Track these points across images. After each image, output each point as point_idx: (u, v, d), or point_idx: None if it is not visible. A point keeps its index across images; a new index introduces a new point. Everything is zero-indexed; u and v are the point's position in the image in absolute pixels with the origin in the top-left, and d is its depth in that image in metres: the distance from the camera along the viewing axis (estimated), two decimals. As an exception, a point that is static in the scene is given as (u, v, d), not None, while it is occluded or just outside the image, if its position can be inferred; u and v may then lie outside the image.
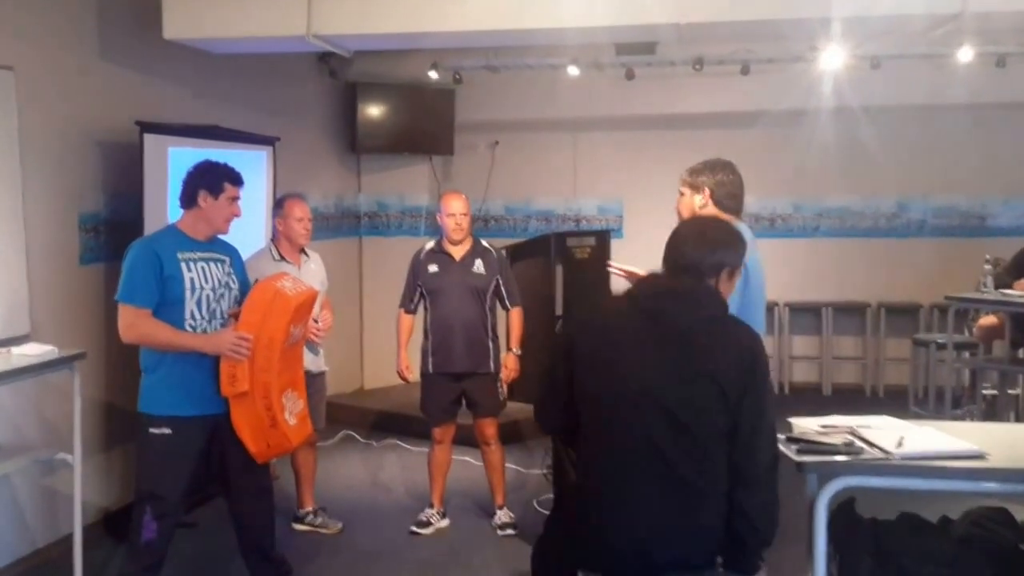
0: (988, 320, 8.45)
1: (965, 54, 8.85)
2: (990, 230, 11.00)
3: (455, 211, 6.58)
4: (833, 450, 3.52)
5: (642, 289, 3.60)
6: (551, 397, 3.68)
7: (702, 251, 3.54)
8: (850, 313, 11.28)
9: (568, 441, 3.73)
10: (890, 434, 3.67)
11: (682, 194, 4.70)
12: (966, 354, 9.06)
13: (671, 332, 3.39)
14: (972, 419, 8.54)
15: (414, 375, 6.80)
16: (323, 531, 6.77)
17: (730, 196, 4.58)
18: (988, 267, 8.01)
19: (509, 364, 6.70)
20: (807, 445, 3.55)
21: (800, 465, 3.48)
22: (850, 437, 3.65)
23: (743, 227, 4.50)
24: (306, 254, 6.57)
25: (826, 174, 10.86)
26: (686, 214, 4.65)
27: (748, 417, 3.34)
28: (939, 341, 8.90)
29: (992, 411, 8.49)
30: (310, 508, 6.82)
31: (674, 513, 3.34)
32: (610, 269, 4.81)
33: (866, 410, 9.42)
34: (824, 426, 3.78)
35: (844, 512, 3.71)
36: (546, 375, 3.73)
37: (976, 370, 8.73)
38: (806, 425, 3.79)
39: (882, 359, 11.23)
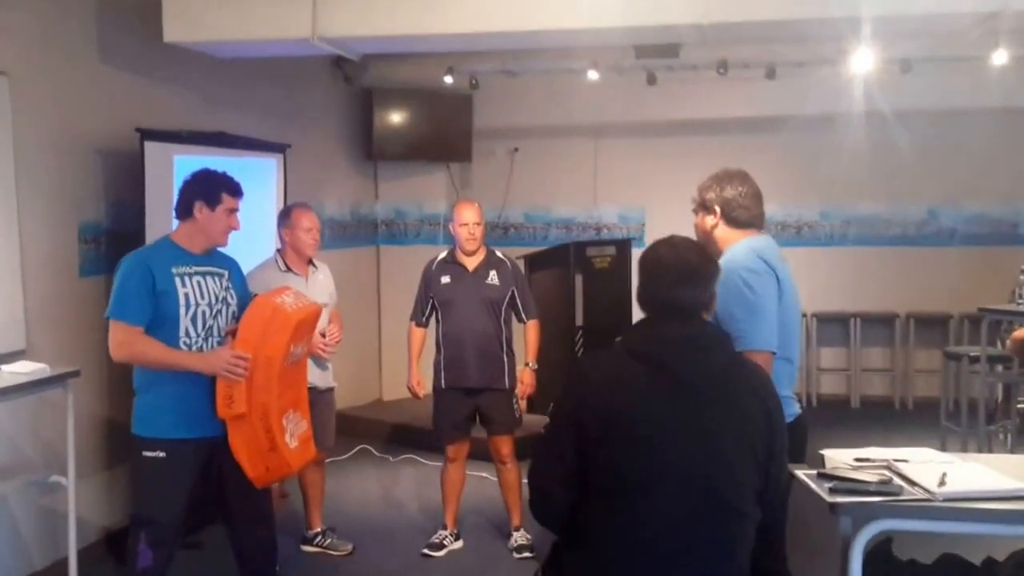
0: (1022, 332, 8.21)
1: (1000, 57, 8.61)
2: (1023, 238, 10.83)
3: (468, 220, 6.37)
4: (870, 490, 3.23)
5: (644, 341, 3.24)
6: (556, 477, 3.24)
7: (697, 289, 3.26)
8: (878, 324, 11.10)
9: (567, 541, 3.32)
10: (931, 470, 3.39)
11: (695, 213, 4.42)
12: (999, 367, 8.80)
13: (692, 388, 3.12)
14: (1006, 434, 8.44)
15: (425, 389, 6.57)
16: (333, 553, 6.56)
17: (743, 209, 4.27)
18: (1023, 277, 7.80)
19: (525, 379, 6.48)
20: (841, 483, 3.27)
21: (834, 507, 3.20)
22: (888, 473, 3.37)
23: (765, 239, 4.30)
24: (314, 265, 6.35)
25: (854, 181, 10.71)
26: (699, 235, 4.38)
27: (778, 453, 3.20)
28: (972, 354, 8.62)
29: (1026, 426, 8.29)
30: (319, 529, 6.62)
31: (713, 568, 3.13)
32: None
33: (896, 424, 9.42)
34: (858, 459, 3.51)
35: (880, 553, 3.46)
36: (545, 452, 3.32)
37: (1010, 384, 8.47)
38: (839, 458, 3.52)
39: (911, 371, 11.05)
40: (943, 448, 8.39)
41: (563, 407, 3.27)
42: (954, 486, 3.27)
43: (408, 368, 6.59)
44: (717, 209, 4.27)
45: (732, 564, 3.17)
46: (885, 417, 10.40)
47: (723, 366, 3.21)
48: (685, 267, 3.25)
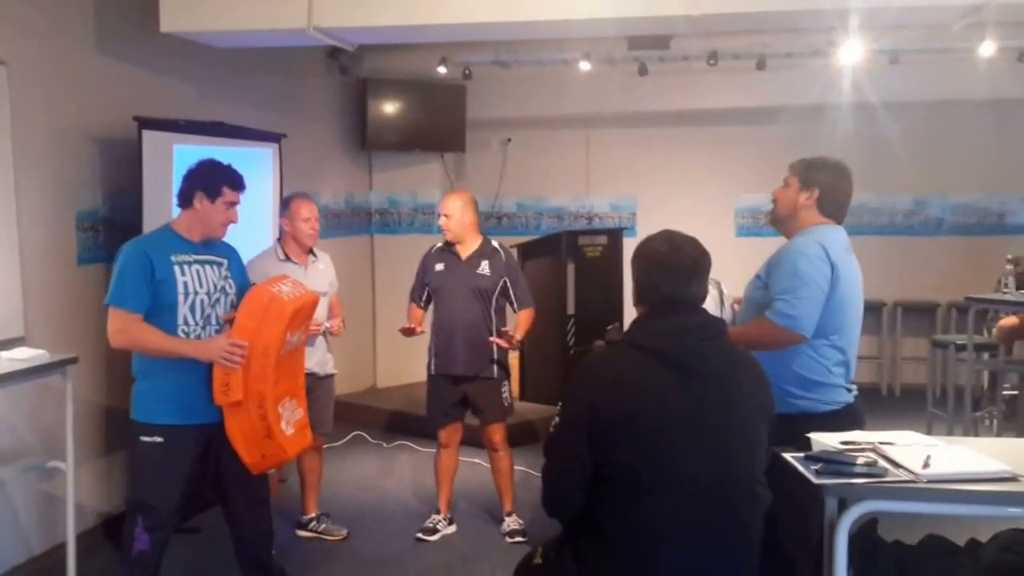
0: (1009, 321, 8.34)
1: (986, 49, 8.69)
2: (1008, 228, 10.95)
3: (441, 211, 6.49)
4: (856, 471, 3.28)
5: (655, 336, 3.30)
6: (573, 476, 3.30)
7: (701, 283, 3.39)
8: (866, 311, 10.80)
9: (581, 531, 3.38)
10: (915, 453, 3.44)
11: (787, 184, 4.45)
12: (985, 355, 8.89)
13: (706, 377, 3.23)
14: (992, 421, 8.55)
15: (423, 328, 6.54)
16: (327, 538, 6.61)
17: (836, 204, 4.39)
18: (1009, 267, 7.89)
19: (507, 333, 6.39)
20: (827, 465, 3.33)
21: (820, 488, 3.25)
22: (873, 456, 3.42)
23: (836, 232, 4.37)
24: (314, 255, 6.42)
25: None
26: (783, 207, 4.46)
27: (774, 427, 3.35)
28: (959, 342, 8.70)
29: (1012, 413, 8.39)
30: (314, 514, 6.67)
31: (733, 554, 3.25)
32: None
33: (883, 410, 9.50)
34: (845, 442, 3.57)
35: (865, 534, 3.51)
36: (559, 452, 3.37)
37: (996, 372, 8.56)
38: (826, 441, 3.57)
39: (898, 358, 11.13)
40: (929, 434, 8.50)
41: (575, 407, 3.31)
42: (938, 468, 3.31)
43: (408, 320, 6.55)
44: (817, 191, 4.35)
45: (749, 548, 3.27)
46: (872, 403, 10.17)
47: (729, 352, 3.33)
48: (691, 263, 3.36)
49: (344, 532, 6.67)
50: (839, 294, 4.21)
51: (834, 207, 4.38)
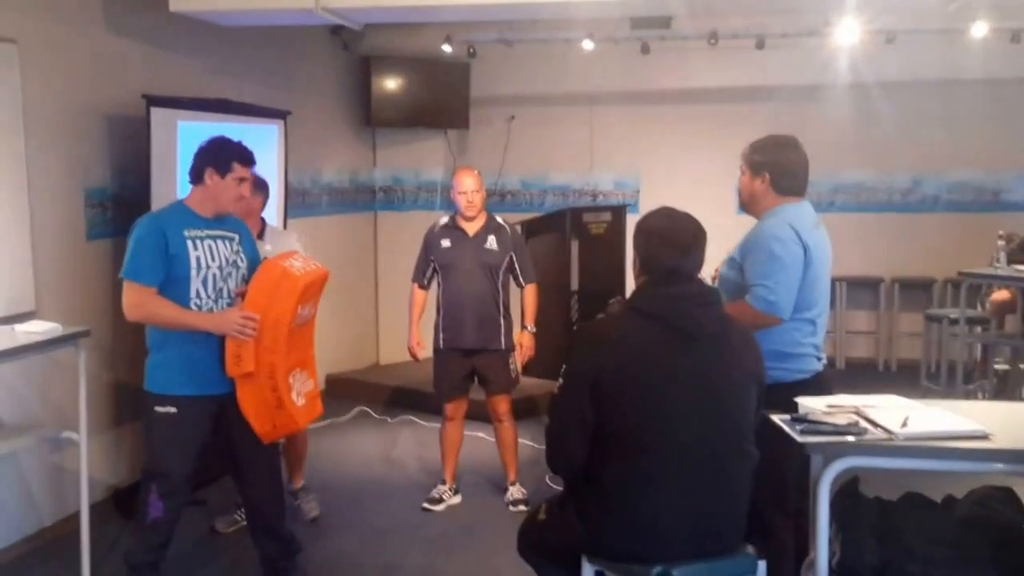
0: (1001, 295, 8.45)
1: (979, 29, 8.79)
2: (1004, 205, 10.97)
3: (466, 188, 6.53)
4: (837, 430, 3.47)
5: (654, 302, 3.56)
6: (575, 433, 3.54)
7: (696, 255, 3.61)
8: (864, 287, 11.23)
9: (582, 485, 3.63)
10: (895, 414, 3.61)
11: (742, 172, 4.61)
12: (978, 329, 9.03)
13: (700, 340, 3.46)
14: (984, 394, 8.63)
15: (425, 351, 6.76)
16: (304, 510, 6.51)
17: (791, 177, 4.50)
18: (1001, 242, 8.01)
19: (524, 342, 6.66)
20: (811, 425, 3.51)
21: (804, 446, 3.44)
22: (855, 417, 3.60)
23: (802, 207, 4.53)
24: (265, 236, 6.07)
25: (841, 149, 10.78)
26: (744, 194, 4.63)
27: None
28: (952, 316, 8.84)
29: (1004, 386, 8.52)
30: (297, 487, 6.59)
31: (723, 507, 3.49)
32: None
33: (878, 384, 9.62)
34: (830, 406, 3.74)
35: (848, 492, 3.70)
36: (563, 410, 3.60)
37: (988, 345, 8.69)
38: (812, 405, 3.74)
39: (895, 333, 11.21)
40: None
41: (579, 366, 3.55)
42: (915, 427, 3.49)
43: (408, 329, 6.75)
44: (767, 175, 4.49)
45: (737, 502, 3.53)
46: (868, 377, 10.46)
47: (723, 318, 3.59)
48: (687, 237, 3.61)
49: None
50: (812, 271, 4.40)
51: (790, 182, 4.51)
